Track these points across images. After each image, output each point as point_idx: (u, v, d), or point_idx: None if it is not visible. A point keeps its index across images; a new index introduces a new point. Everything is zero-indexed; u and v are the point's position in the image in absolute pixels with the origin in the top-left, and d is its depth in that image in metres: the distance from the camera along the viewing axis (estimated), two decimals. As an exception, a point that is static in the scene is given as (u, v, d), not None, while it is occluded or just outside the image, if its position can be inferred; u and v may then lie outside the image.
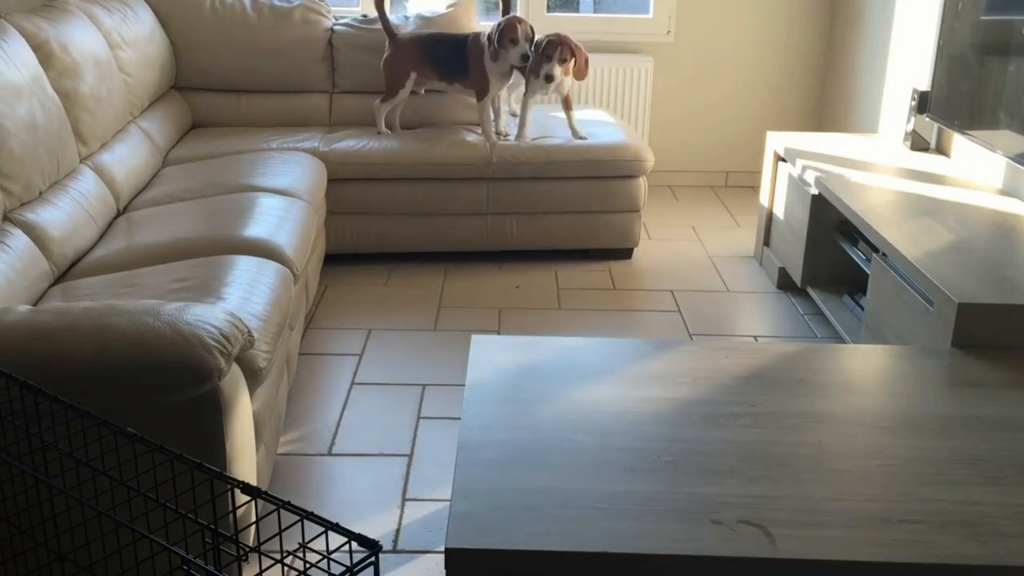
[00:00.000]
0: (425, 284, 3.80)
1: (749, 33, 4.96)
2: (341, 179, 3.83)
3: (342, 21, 4.31)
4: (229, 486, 1.18)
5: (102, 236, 2.96)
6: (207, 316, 1.93)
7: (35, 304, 2.45)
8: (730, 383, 2.00)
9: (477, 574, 1.48)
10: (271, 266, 2.61)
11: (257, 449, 2.17)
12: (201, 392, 1.83)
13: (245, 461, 1.99)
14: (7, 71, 2.62)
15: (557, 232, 4.00)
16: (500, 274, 3.91)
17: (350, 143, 3.90)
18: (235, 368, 1.98)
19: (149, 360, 1.80)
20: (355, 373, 3.07)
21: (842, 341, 3.15)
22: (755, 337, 3.38)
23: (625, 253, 4.12)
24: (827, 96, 5.00)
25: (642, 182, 3.97)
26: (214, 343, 1.85)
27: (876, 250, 2.86)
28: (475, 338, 2.19)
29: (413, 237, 3.95)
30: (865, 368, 2.11)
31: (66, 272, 2.70)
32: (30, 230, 2.58)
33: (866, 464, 1.71)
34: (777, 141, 3.84)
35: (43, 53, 2.91)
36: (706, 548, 1.47)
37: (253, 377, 2.10)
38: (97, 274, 2.64)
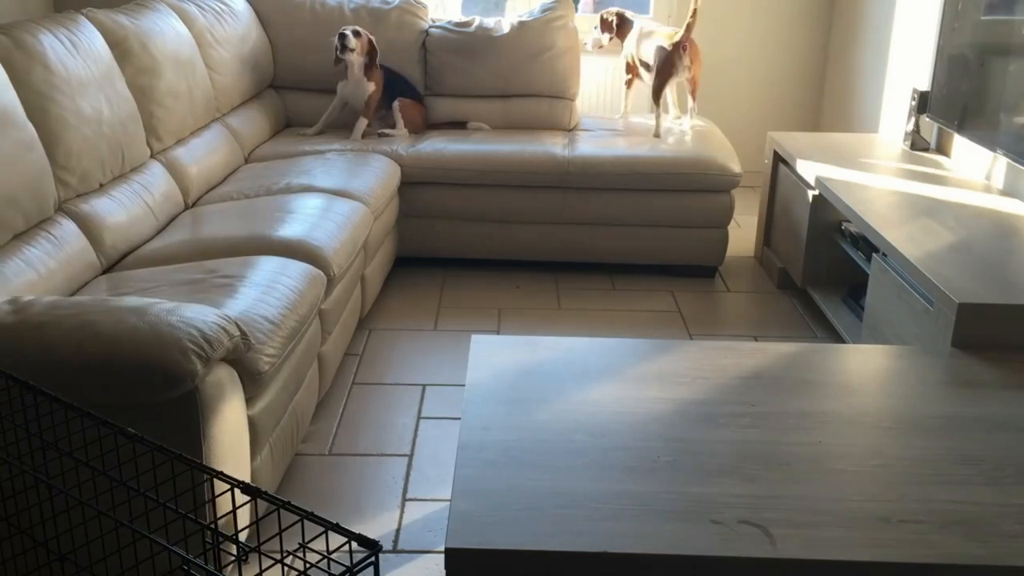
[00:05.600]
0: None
1: (749, 33, 4.96)
2: (417, 182, 3.80)
3: (437, 24, 4.31)
4: (229, 486, 1.18)
5: (163, 229, 2.99)
6: (194, 318, 1.91)
7: (73, 294, 2.48)
8: (730, 383, 2.00)
9: (477, 574, 1.48)
10: (299, 267, 2.59)
11: (258, 452, 2.16)
12: (177, 394, 1.82)
13: (231, 464, 1.98)
14: (73, 66, 2.68)
15: (634, 246, 3.86)
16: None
17: (428, 146, 3.87)
18: (224, 371, 1.96)
19: (122, 360, 1.80)
20: (355, 373, 3.07)
21: (842, 341, 3.15)
22: (755, 337, 3.38)
23: (707, 271, 3.93)
24: (827, 96, 5.01)
25: (730, 196, 3.80)
26: (192, 346, 1.83)
27: (876, 250, 2.86)
28: (475, 338, 2.19)
29: (485, 243, 3.88)
30: (865, 368, 2.11)
31: (118, 262, 2.73)
32: (82, 221, 2.62)
33: (866, 464, 1.71)
34: (777, 141, 3.84)
35: (121, 50, 2.99)
36: (706, 548, 1.47)
37: (253, 380, 2.09)
38: (145, 267, 2.67)
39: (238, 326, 2.00)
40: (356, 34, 3.93)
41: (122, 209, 2.80)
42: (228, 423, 1.95)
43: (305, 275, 2.56)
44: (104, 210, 2.72)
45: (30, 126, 2.44)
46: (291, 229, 2.83)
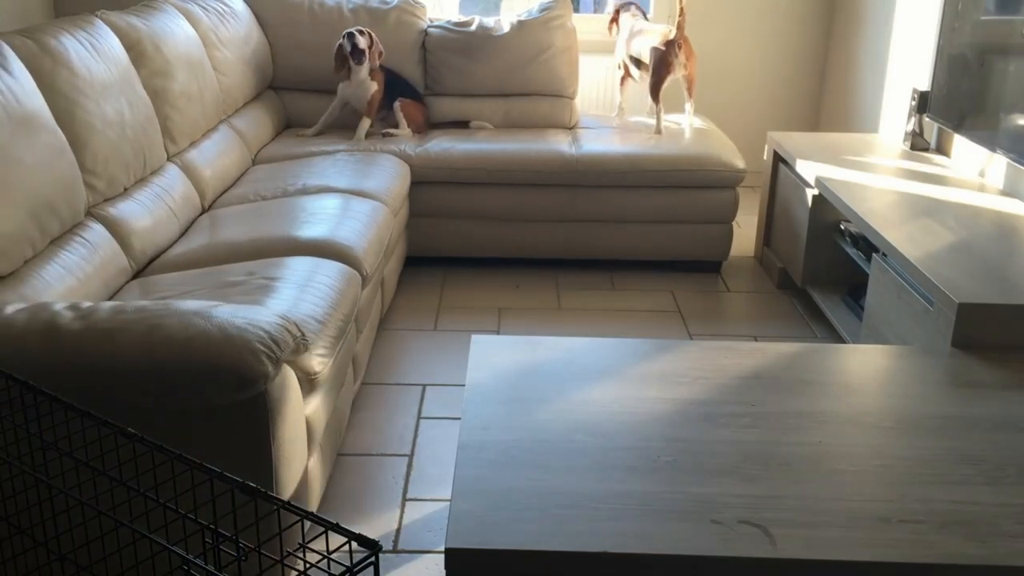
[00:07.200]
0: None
1: (749, 33, 4.96)
2: (425, 182, 3.80)
3: (436, 24, 4.31)
4: (229, 486, 1.18)
5: (184, 232, 3.00)
6: (258, 319, 1.89)
7: (111, 298, 2.47)
8: (730, 383, 2.00)
9: (477, 574, 1.48)
10: (337, 268, 2.59)
11: (312, 453, 2.15)
12: (248, 396, 1.80)
13: (294, 464, 1.97)
14: (97, 69, 2.67)
15: (640, 242, 3.88)
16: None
17: (435, 146, 3.87)
18: (287, 372, 1.94)
19: (194, 364, 1.77)
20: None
21: (842, 341, 3.15)
22: (755, 337, 3.38)
23: (712, 266, 3.97)
24: (827, 96, 5.01)
25: (735, 192, 3.84)
26: (262, 347, 1.81)
27: (876, 250, 2.86)
28: (475, 338, 2.19)
29: (491, 242, 3.88)
30: (865, 368, 2.11)
31: (146, 267, 2.73)
32: (111, 225, 2.62)
33: (866, 464, 1.71)
34: (777, 141, 3.84)
35: (136, 52, 2.98)
36: (706, 548, 1.47)
37: (308, 381, 2.08)
38: (173, 271, 2.66)
39: (297, 326, 1.99)
40: (362, 33, 3.94)
41: (147, 213, 2.80)
42: (292, 424, 1.94)
43: (342, 274, 2.57)
44: (131, 214, 2.71)
45: (60, 130, 2.43)
46: (318, 229, 2.82)
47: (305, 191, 3.26)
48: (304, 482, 2.06)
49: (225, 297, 2.31)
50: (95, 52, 2.71)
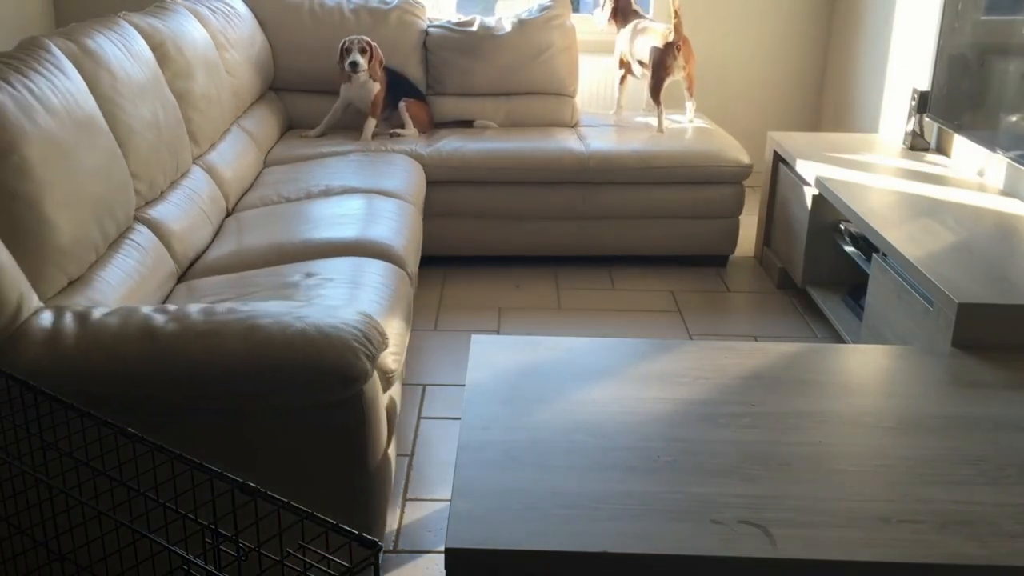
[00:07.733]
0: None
1: (749, 33, 4.96)
2: (435, 182, 3.81)
3: (437, 23, 4.31)
4: (229, 486, 1.18)
5: (215, 236, 2.99)
6: (348, 318, 1.89)
7: (163, 302, 2.46)
8: (730, 383, 2.00)
9: (477, 574, 1.48)
10: (384, 267, 2.60)
11: (387, 449, 2.16)
12: (348, 395, 1.80)
13: (382, 461, 1.98)
14: (133, 71, 2.66)
15: (649, 238, 3.92)
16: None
17: (446, 145, 3.88)
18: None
19: (298, 363, 1.77)
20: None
21: (842, 341, 3.15)
22: (755, 337, 3.38)
23: (720, 260, 4.03)
24: (827, 96, 5.01)
25: (741, 187, 3.88)
26: (359, 346, 1.81)
27: (876, 250, 2.86)
28: (475, 338, 2.19)
29: (499, 240, 3.90)
30: (865, 368, 2.11)
31: (186, 271, 2.72)
32: (155, 228, 2.61)
33: (866, 464, 1.71)
34: (777, 141, 3.84)
35: (160, 53, 2.96)
36: (706, 548, 1.47)
37: (385, 379, 2.08)
38: (216, 274, 2.65)
39: (380, 324, 1.98)
40: (363, 51, 3.93)
41: (184, 215, 2.78)
42: (380, 422, 1.95)
43: (392, 273, 2.58)
44: (169, 217, 2.70)
45: (111, 134, 2.41)
46: (354, 230, 2.82)
47: (329, 192, 3.25)
48: (383, 477, 2.07)
49: (288, 298, 2.30)
50: (128, 54, 2.68)
